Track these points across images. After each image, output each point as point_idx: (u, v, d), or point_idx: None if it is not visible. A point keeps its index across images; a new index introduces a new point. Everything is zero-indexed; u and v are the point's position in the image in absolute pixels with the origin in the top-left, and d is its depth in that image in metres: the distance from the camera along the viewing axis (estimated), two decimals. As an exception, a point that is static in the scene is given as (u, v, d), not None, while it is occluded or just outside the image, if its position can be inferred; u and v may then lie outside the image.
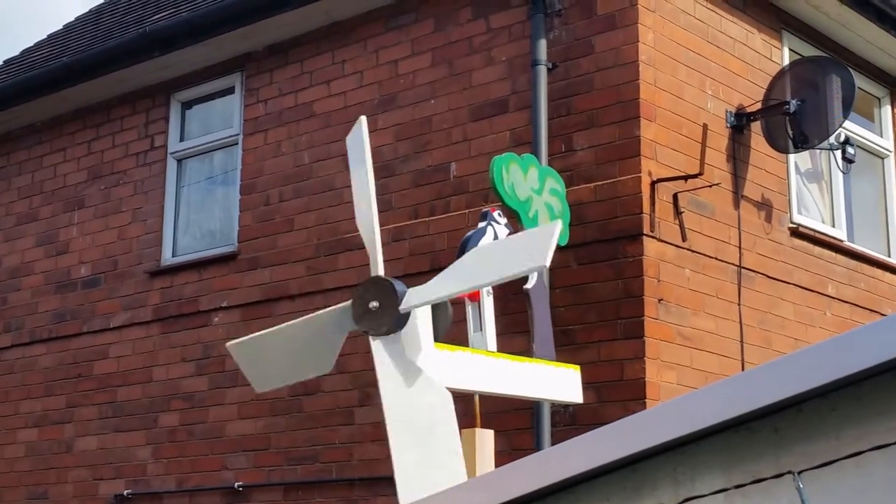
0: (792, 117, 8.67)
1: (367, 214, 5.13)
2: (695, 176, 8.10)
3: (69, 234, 11.22)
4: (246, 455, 9.49)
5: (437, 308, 5.28)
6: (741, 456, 2.86)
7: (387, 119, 9.18)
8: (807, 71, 9.03)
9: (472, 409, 6.10)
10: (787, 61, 9.41)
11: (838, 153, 9.31)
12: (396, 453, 4.65)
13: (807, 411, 2.77)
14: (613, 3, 8.22)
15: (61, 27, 13.99)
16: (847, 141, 9.29)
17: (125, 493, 10.19)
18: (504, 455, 6.25)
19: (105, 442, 10.47)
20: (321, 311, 5.25)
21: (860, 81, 9.62)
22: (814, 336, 8.96)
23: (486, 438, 5.76)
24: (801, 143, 8.75)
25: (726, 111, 8.72)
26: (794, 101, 8.68)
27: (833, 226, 9.79)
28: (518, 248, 4.91)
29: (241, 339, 5.48)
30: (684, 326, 8.00)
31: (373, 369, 8.43)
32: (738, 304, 8.48)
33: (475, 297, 6.43)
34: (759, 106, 8.87)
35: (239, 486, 9.46)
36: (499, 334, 6.56)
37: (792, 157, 9.25)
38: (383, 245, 8.87)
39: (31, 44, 13.90)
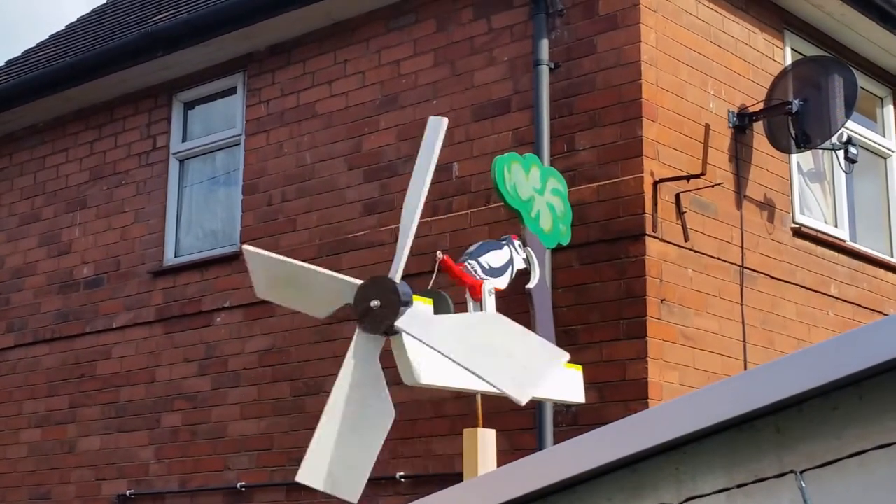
0: (794, 117, 8.67)
1: (411, 216, 5.13)
2: (697, 176, 8.10)
3: (72, 235, 11.23)
4: (248, 455, 9.49)
5: (438, 306, 5.30)
6: (743, 455, 2.86)
7: (389, 119, 9.18)
8: (809, 71, 9.03)
9: (474, 408, 6.11)
10: (789, 61, 9.41)
11: (841, 153, 9.30)
12: (319, 436, 4.64)
13: (809, 410, 2.77)
14: (615, 2, 8.22)
15: (63, 27, 14.00)
16: (849, 141, 9.28)
17: (128, 493, 10.19)
18: (506, 455, 6.25)
19: (108, 442, 10.47)
20: (334, 275, 5.24)
21: (862, 81, 9.62)
22: (816, 336, 8.95)
23: (488, 438, 5.76)
24: (804, 143, 8.74)
25: (728, 111, 8.72)
26: (796, 101, 8.67)
27: (835, 226, 9.78)
28: (520, 365, 4.74)
29: (258, 250, 5.44)
30: (687, 326, 7.99)
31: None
32: (741, 305, 8.47)
33: (477, 295, 6.43)
34: (761, 106, 8.87)
35: (241, 487, 9.46)
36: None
37: (794, 156, 9.25)
38: (386, 245, 8.92)
39: (34, 44, 13.91)
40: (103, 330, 10.74)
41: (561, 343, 7.44)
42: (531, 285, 7.11)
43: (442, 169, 8.78)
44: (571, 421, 7.80)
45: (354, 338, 4.95)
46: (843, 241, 9.75)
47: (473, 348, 4.73)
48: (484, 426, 5.91)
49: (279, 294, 5.35)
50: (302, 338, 9.32)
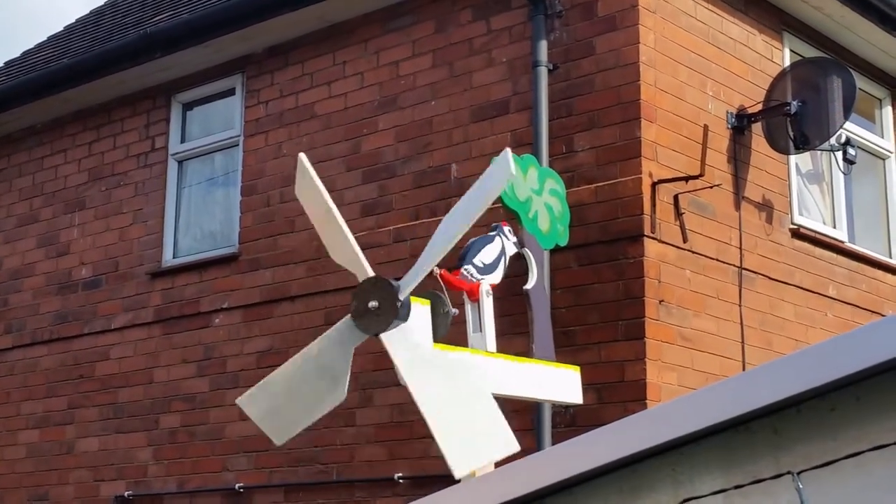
0: (793, 118, 8.67)
1: (335, 237, 5.16)
2: (696, 177, 8.10)
3: (70, 236, 11.23)
4: (247, 456, 9.49)
5: (436, 308, 5.30)
6: (740, 456, 2.85)
7: (387, 120, 9.18)
8: (808, 72, 9.03)
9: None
10: (787, 62, 9.41)
11: (839, 154, 9.30)
12: (438, 435, 4.69)
13: (806, 412, 2.77)
14: (614, 4, 8.22)
15: (62, 28, 14.00)
16: (848, 142, 9.28)
17: (126, 494, 10.19)
18: (505, 458, 6.24)
19: (106, 443, 10.47)
20: (320, 337, 5.24)
21: (861, 82, 9.62)
22: (814, 337, 8.95)
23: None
24: (802, 145, 8.74)
25: (727, 112, 8.72)
26: (794, 103, 8.67)
27: (834, 227, 9.78)
28: (482, 182, 5.00)
29: (249, 392, 5.42)
30: (685, 328, 7.99)
31: (374, 370, 8.45)
32: (739, 306, 8.47)
33: (474, 296, 6.43)
34: (759, 107, 8.87)
35: (240, 488, 9.45)
36: (498, 335, 6.56)
37: (793, 158, 9.25)
38: (384, 246, 8.91)
39: (32, 45, 13.91)
40: (102, 331, 10.74)
41: (559, 344, 7.45)
42: (529, 286, 7.11)
43: (441, 170, 8.80)
44: (569, 422, 7.79)
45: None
46: (842, 242, 9.75)
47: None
48: (482, 427, 5.89)
49: (295, 419, 5.31)
50: (300, 339, 9.30)
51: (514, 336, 7.36)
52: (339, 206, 9.21)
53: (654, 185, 7.95)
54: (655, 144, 8.04)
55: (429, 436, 8.33)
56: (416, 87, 9.08)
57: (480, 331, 6.29)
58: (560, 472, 3.08)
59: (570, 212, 7.84)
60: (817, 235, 9.44)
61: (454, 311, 6.06)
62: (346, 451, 8.93)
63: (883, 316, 9.51)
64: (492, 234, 7.00)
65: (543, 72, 8.35)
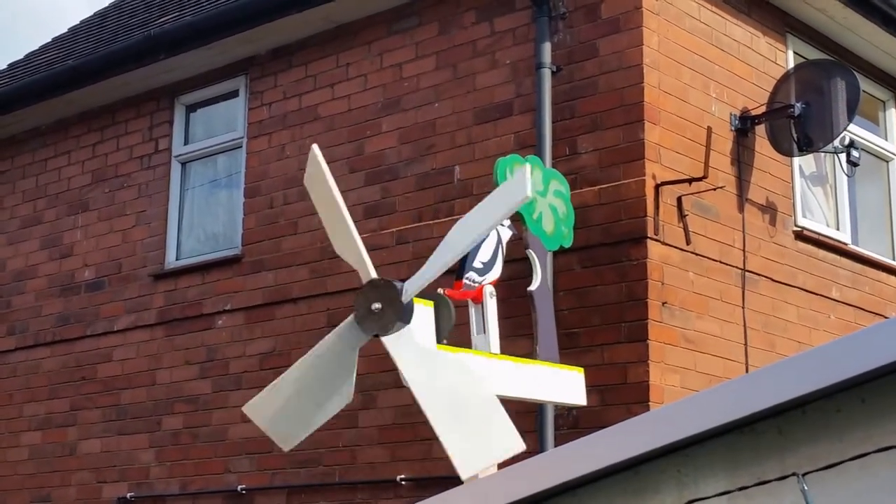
0: (796, 120, 8.66)
1: (342, 234, 5.14)
2: (699, 179, 8.09)
3: (73, 238, 11.23)
4: (249, 458, 9.49)
5: (439, 310, 5.29)
6: (745, 458, 2.85)
7: (391, 122, 9.18)
8: (811, 74, 9.02)
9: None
10: (791, 64, 9.40)
11: (843, 156, 9.30)
12: (444, 436, 4.68)
13: (811, 413, 2.76)
14: (618, 6, 8.21)
15: (66, 30, 14.00)
16: (852, 144, 9.28)
17: (128, 495, 10.18)
18: (508, 459, 6.23)
19: (109, 445, 10.46)
20: (324, 339, 5.22)
21: (865, 85, 9.61)
22: (818, 339, 8.94)
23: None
24: (806, 147, 8.73)
25: (731, 114, 8.71)
26: (798, 105, 8.67)
27: (837, 229, 9.77)
28: (496, 196, 4.96)
29: (254, 399, 5.38)
30: (688, 329, 7.98)
31: (377, 372, 8.44)
32: (742, 308, 8.46)
33: (478, 298, 6.42)
34: (763, 109, 8.86)
35: (242, 490, 9.45)
36: (502, 337, 6.55)
37: (796, 160, 9.24)
38: (386, 248, 8.91)
39: (36, 47, 13.91)
40: (104, 333, 10.74)
41: (562, 346, 7.45)
42: (533, 287, 7.10)
43: (444, 172, 8.79)
44: (572, 424, 7.79)
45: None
46: (845, 244, 9.74)
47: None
48: (485, 429, 5.89)
49: (302, 423, 5.29)
50: (303, 341, 9.30)
51: (518, 338, 7.36)
52: (342, 207, 9.27)
53: (657, 187, 7.94)
54: (659, 146, 8.04)
55: (431, 437, 8.33)
56: (419, 89, 9.08)
57: (484, 332, 6.29)
58: (564, 474, 3.07)
59: (574, 213, 7.83)
60: (821, 237, 9.43)
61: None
62: (348, 453, 8.92)
63: (886, 318, 9.50)
64: None
65: (547, 74, 8.34)
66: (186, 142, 10.76)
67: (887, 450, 2.61)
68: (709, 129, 8.28)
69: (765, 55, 9.22)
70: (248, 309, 9.76)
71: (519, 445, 4.77)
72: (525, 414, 7.86)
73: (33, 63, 12.79)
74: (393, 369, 5.50)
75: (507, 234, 6.99)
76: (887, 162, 10.54)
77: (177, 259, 10.51)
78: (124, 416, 10.41)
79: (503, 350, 6.42)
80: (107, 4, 14.32)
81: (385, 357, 5.42)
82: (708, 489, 2.89)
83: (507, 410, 7.54)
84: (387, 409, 8.66)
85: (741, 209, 8.64)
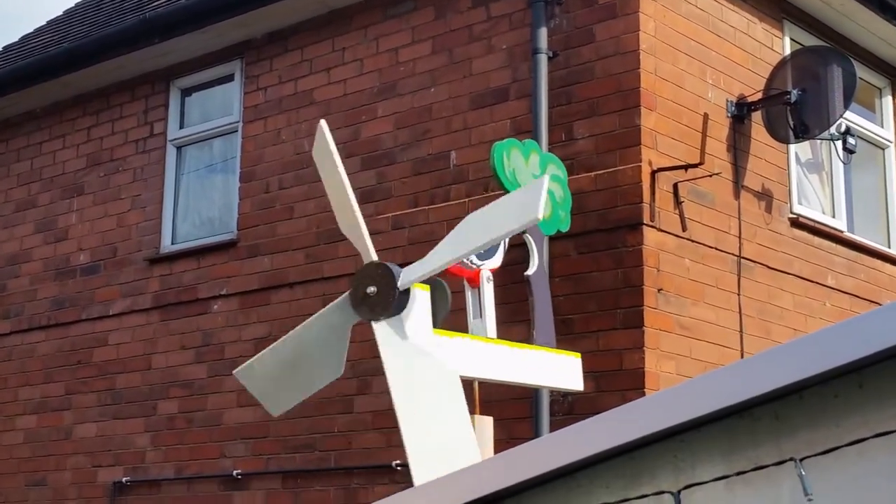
0: (793, 107, 8.65)
1: (345, 211, 5.11)
2: (695, 165, 8.09)
3: (68, 221, 11.21)
4: (245, 443, 9.49)
5: (436, 294, 5.28)
6: (742, 443, 2.85)
7: (386, 107, 9.16)
8: (808, 61, 9.01)
9: (471, 396, 6.09)
10: (788, 51, 9.39)
11: (839, 143, 9.30)
12: (407, 434, 4.65)
13: (808, 398, 2.76)
14: (615, -9, 8.19)
15: (61, 13, 13.96)
16: (848, 131, 9.28)
17: (124, 480, 10.19)
18: (503, 444, 6.24)
19: (104, 429, 10.47)
20: (318, 313, 5.22)
21: (861, 72, 9.61)
22: (813, 327, 8.95)
23: (485, 425, 5.76)
24: (802, 134, 8.73)
25: (727, 101, 8.71)
26: (795, 91, 8.66)
27: (833, 216, 9.78)
28: (509, 205, 4.90)
29: (247, 363, 5.37)
30: (684, 316, 7.99)
31: (372, 357, 8.42)
32: (738, 295, 8.47)
33: (475, 282, 6.41)
34: (759, 96, 8.86)
35: (237, 474, 9.46)
36: (499, 323, 6.55)
37: (792, 147, 9.24)
38: (382, 233, 8.89)
39: (31, 30, 13.87)
40: (99, 317, 10.73)
41: (559, 332, 7.45)
42: (530, 272, 7.09)
43: (440, 157, 8.78)
44: (568, 410, 7.80)
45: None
46: (841, 231, 9.75)
47: (472, 231, 4.77)
48: (481, 414, 5.91)
49: (292, 391, 5.26)
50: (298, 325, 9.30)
51: (515, 324, 7.36)
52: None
53: (653, 173, 7.94)
54: (655, 133, 8.03)
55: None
56: (415, 74, 9.06)
57: (481, 317, 6.29)
58: (561, 458, 3.07)
59: (571, 197, 7.83)
60: (816, 225, 9.44)
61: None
62: (343, 439, 8.93)
63: (881, 305, 9.51)
64: None
65: (543, 59, 8.33)
66: (182, 126, 10.74)
67: (885, 435, 2.61)
68: (705, 116, 8.27)
69: (761, 41, 9.21)
70: (244, 294, 9.75)
71: (476, 459, 4.74)
72: (520, 400, 7.87)
73: (28, 46, 12.75)
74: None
75: None
76: (883, 149, 10.55)
77: (172, 243, 10.50)
78: (119, 400, 10.41)
79: (500, 336, 6.42)
80: (102, -12, 14.27)
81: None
82: (705, 474, 2.89)
83: (503, 396, 7.58)
84: (382, 394, 8.61)
85: (737, 196, 8.64)
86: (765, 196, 8.92)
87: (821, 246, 9.44)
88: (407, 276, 4.90)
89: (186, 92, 10.82)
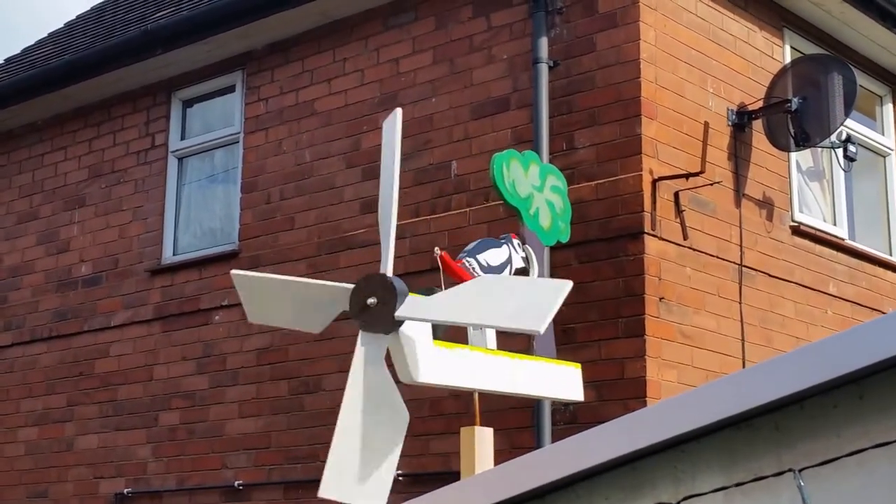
0: (793, 115, 8.66)
1: (388, 208, 5.09)
2: (696, 174, 8.09)
3: (70, 233, 11.21)
4: (246, 454, 9.48)
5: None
6: (742, 454, 2.84)
7: (387, 117, 9.15)
8: (808, 69, 9.01)
9: (472, 407, 6.09)
10: (788, 59, 9.39)
11: (840, 151, 9.29)
12: (336, 448, 4.57)
13: (808, 409, 2.76)
14: (614, 1, 8.20)
15: (63, 25, 13.98)
16: (849, 139, 9.27)
17: (125, 491, 10.18)
18: (504, 454, 6.23)
19: (105, 440, 10.46)
20: (324, 283, 5.21)
21: (862, 79, 9.60)
22: (815, 335, 8.93)
23: (485, 436, 5.74)
24: (803, 142, 8.73)
25: (728, 109, 8.71)
26: (795, 99, 8.66)
27: (834, 224, 9.77)
28: (524, 300, 4.72)
29: (245, 273, 5.42)
30: (685, 325, 7.98)
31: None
32: (740, 303, 8.46)
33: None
34: (760, 104, 8.85)
35: (239, 485, 9.45)
36: (498, 333, 6.54)
37: (793, 155, 9.23)
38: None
39: (33, 42, 13.89)
40: (101, 328, 10.73)
41: (559, 341, 7.44)
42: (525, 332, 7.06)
43: (441, 167, 8.79)
44: (570, 419, 7.79)
45: (358, 342, 4.87)
46: (842, 239, 9.74)
47: (477, 304, 4.72)
48: (482, 425, 5.89)
49: (272, 315, 5.30)
50: (300, 336, 9.29)
51: (515, 335, 7.34)
52: (338, 203, 9.29)
53: (654, 182, 7.94)
54: (656, 141, 8.03)
55: (427, 434, 8.35)
56: (416, 84, 9.07)
57: (481, 328, 6.27)
58: (562, 470, 3.07)
59: (571, 208, 7.82)
60: (818, 233, 9.43)
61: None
62: (345, 449, 8.90)
63: (883, 313, 9.50)
64: (501, 240, 6.95)
65: (544, 68, 8.34)
66: (183, 137, 10.75)
67: (885, 445, 2.61)
68: (706, 125, 8.28)
69: (762, 50, 9.21)
70: (245, 304, 9.73)
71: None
72: (521, 409, 7.86)
73: (29, 58, 12.76)
74: (390, 365, 5.49)
75: (518, 262, 6.96)
76: (884, 157, 10.54)
77: (174, 254, 10.50)
78: (121, 411, 10.40)
79: (500, 346, 6.40)
80: (103, -1, 14.30)
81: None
82: (704, 485, 2.89)
83: (504, 406, 7.57)
84: (384, 404, 8.64)
85: (738, 204, 8.63)
86: (766, 204, 8.92)
87: (822, 254, 9.43)
88: (405, 310, 4.85)
89: (188, 103, 10.82)
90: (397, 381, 5.40)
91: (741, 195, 8.67)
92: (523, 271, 7.04)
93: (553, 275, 7.90)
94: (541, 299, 4.56)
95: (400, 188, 8.87)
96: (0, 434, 11.36)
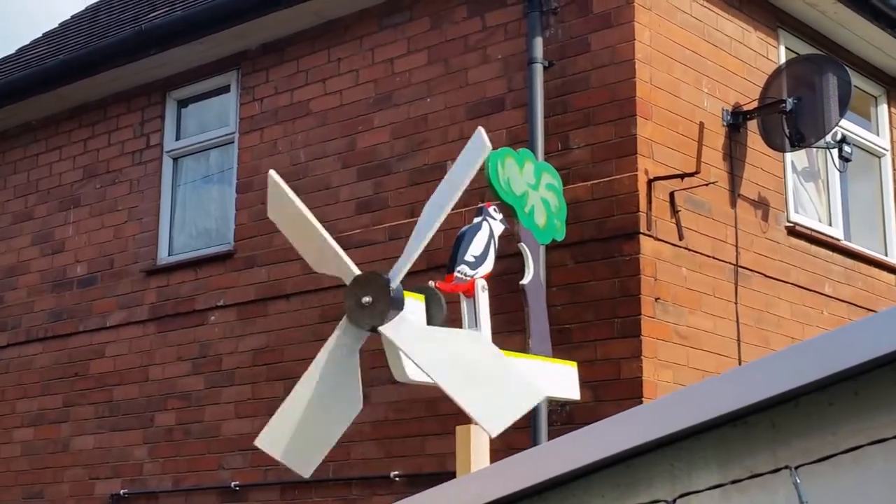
0: (788, 116, 8.66)
1: (312, 245, 5.03)
2: (691, 174, 8.09)
3: (65, 233, 11.20)
4: (242, 454, 9.47)
5: (431, 304, 5.27)
6: (738, 451, 2.84)
7: (382, 117, 9.16)
8: (803, 69, 9.02)
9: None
10: (783, 59, 9.40)
11: (835, 152, 9.30)
12: (465, 404, 4.62)
13: (804, 406, 2.75)
14: (609, 0, 8.21)
15: (57, 25, 13.97)
16: (844, 139, 9.28)
17: (121, 492, 10.17)
18: (500, 454, 6.22)
19: (101, 441, 10.45)
20: (321, 350, 5.11)
21: (857, 80, 9.62)
22: (811, 335, 8.93)
23: (481, 435, 5.73)
24: (798, 142, 8.73)
25: (723, 109, 8.71)
26: (790, 100, 8.67)
27: (830, 224, 9.78)
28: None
29: (265, 429, 5.07)
30: (681, 325, 7.98)
31: (370, 368, 8.42)
32: (735, 303, 8.46)
33: (470, 293, 6.40)
34: (755, 104, 8.86)
35: (235, 486, 9.44)
36: (495, 333, 6.53)
37: (788, 155, 9.24)
38: (379, 244, 8.89)
39: (28, 42, 13.88)
40: (97, 329, 10.72)
41: (555, 341, 7.43)
42: (525, 281, 7.08)
43: (436, 167, 8.78)
44: (566, 420, 7.78)
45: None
46: (838, 239, 9.75)
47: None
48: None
49: (319, 443, 5.05)
50: (295, 337, 9.30)
51: (511, 334, 7.35)
52: (334, 203, 9.28)
53: (649, 182, 7.94)
54: (651, 142, 8.04)
55: (425, 433, 8.35)
56: (411, 84, 9.07)
57: (476, 326, 6.27)
58: (556, 468, 3.06)
59: (566, 207, 7.82)
60: (813, 233, 9.44)
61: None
62: (342, 449, 8.88)
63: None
64: (477, 219, 6.92)
65: (539, 69, 8.34)
66: (178, 137, 10.74)
67: (881, 442, 2.60)
68: (701, 125, 8.28)
69: (756, 50, 9.22)
70: (241, 305, 9.74)
71: (539, 395, 4.75)
72: (518, 409, 7.85)
73: (24, 58, 12.75)
74: (385, 365, 5.48)
75: (499, 227, 6.95)
76: (879, 157, 10.55)
77: (169, 255, 10.49)
78: (117, 412, 10.39)
79: (495, 344, 6.39)
80: None
81: (378, 353, 5.40)
82: (701, 482, 2.88)
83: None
84: (380, 405, 8.64)
85: (733, 205, 8.64)
86: (761, 205, 8.92)
87: (818, 254, 9.44)
88: (395, 274, 4.89)
89: (183, 103, 10.82)
90: (392, 381, 5.40)
91: (736, 195, 8.67)
92: (505, 232, 7.00)
93: (549, 274, 7.91)
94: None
95: (395, 188, 8.96)
96: (-5, 435, 11.35)
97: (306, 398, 4.93)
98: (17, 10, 38.55)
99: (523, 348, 6.93)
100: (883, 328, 2.62)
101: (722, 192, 8.56)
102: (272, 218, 5.30)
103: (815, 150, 9.53)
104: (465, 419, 5.90)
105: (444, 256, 7.44)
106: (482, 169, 7.39)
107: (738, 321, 8.44)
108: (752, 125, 8.86)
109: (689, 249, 8.19)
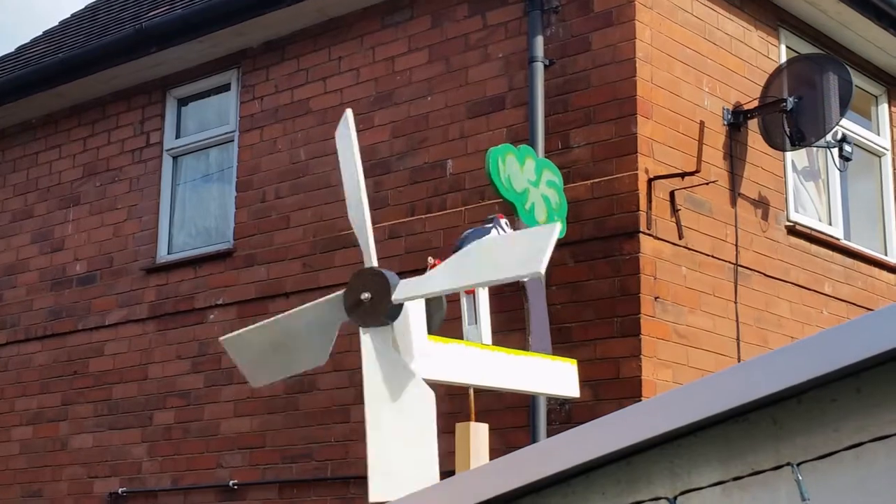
0: (789, 115, 8.66)
1: (358, 207, 5.07)
2: (692, 173, 8.08)
3: (64, 231, 11.19)
4: (241, 453, 9.46)
5: (431, 300, 5.25)
6: (739, 447, 2.83)
7: (383, 116, 9.16)
8: (804, 68, 9.01)
9: (466, 403, 6.07)
10: (784, 59, 9.39)
11: (835, 151, 9.29)
12: (373, 447, 4.59)
13: (806, 402, 2.75)
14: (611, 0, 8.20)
15: (57, 24, 13.96)
16: (844, 139, 9.27)
17: (120, 490, 10.16)
18: (499, 453, 6.21)
19: (100, 439, 10.43)
20: (312, 303, 5.18)
21: (857, 79, 9.61)
22: (810, 334, 8.92)
23: (480, 432, 5.72)
24: (799, 141, 8.73)
25: (723, 108, 8.70)
26: (791, 99, 8.66)
27: (830, 224, 9.77)
28: (515, 249, 4.74)
29: (234, 333, 5.40)
30: (681, 324, 7.98)
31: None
32: (735, 302, 8.46)
33: (470, 290, 6.39)
34: (756, 103, 8.85)
35: (234, 485, 9.43)
36: (495, 331, 6.52)
37: (789, 154, 9.24)
38: (379, 242, 8.86)
39: (27, 40, 13.87)
40: (96, 327, 10.71)
41: (555, 340, 7.43)
42: (525, 279, 7.07)
43: (436, 166, 8.78)
44: (565, 418, 7.78)
45: (362, 340, 4.87)
46: (838, 239, 9.74)
47: (472, 266, 4.72)
48: (476, 422, 5.87)
49: (275, 368, 5.28)
50: (295, 335, 9.27)
51: (511, 332, 7.34)
52: (334, 201, 9.25)
53: (649, 181, 7.93)
54: (651, 141, 8.03)
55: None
56: (411, 83, 9.06)
57: (476, 323, 6.26)
58: (557, 465, 3.06)
59: (567, 203, 7.81)
60: (813, 232, 9.43)
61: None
62: (340, 448, 8.90)
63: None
64: (488, 226, 6.93)
65: (539, 67, 8.33)
66: (178, 135, 10.73)
67: (883, 439, 2.60)
68: (701, 124, 8.27)
69: (757, 49, 9.22)
70: (241, 303, 9.73)
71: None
72: (517, 408, 7.85)
73: (23, 56, 12.74)
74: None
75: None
76: (879, 157, 10.54)
77: (168, 253, 10.48)
78: (116, 410, 10.38)
79: (496, 344, 6.39)
80: (98, -2, 14.27)
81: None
82: (702, 480, 2.88)
83: (500, 404, 7.56)
84: (379, 403, 8.62)
85: (733, 204, 8.63)
86: (761, 204, 8.91)
87: (817, 254, 9.43)
88: (402, 292, 4.84)
89: (182, 101, 10.81)
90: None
91: (737, 195, 8.67)
92: None
93: (549, 273, 7.89)
94: (533, 245, 4.53)
95: (395, 187, 8.95)
96: (-6, 433, 11.34)
97: (282, 330, 5.13)
98: (17, 8, 38.55)
99: (524, 347, 6.93)
100: (885, 325, 2.62)
101: (722, 192, 8.55)
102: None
103: (815, 149, 9.52)
104: (465, 418, 5.90)
105: (443, 255, 7.43)
106: (483, 168, 7.39)
107: (737, 320, 8.43)
108: (753, 124, 8.85)
109: (689, 248, 8.18)
